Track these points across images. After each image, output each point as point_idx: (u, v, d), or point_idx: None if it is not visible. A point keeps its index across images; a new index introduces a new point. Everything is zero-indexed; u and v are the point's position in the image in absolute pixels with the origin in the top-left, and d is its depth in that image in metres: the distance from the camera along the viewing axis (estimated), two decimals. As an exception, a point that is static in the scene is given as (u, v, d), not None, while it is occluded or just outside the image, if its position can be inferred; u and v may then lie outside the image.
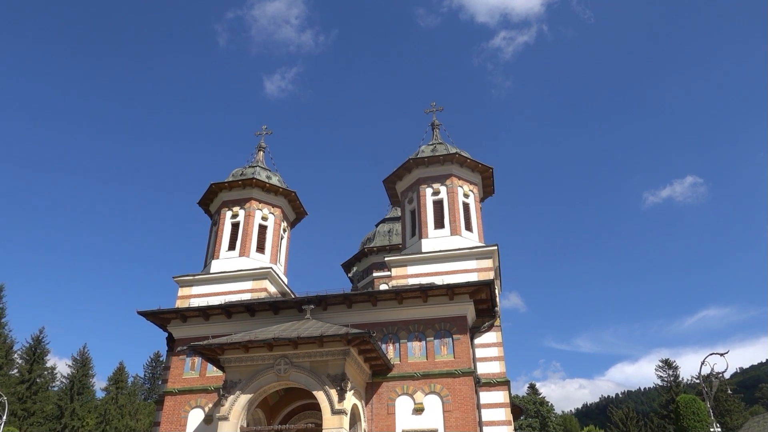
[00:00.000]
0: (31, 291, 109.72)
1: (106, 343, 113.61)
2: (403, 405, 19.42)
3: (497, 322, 21.61)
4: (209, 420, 20.44)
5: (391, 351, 20.41)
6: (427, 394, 19.42)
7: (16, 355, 52.51)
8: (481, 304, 21.05)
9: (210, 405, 20.83)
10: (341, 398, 16.78)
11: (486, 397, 19.98)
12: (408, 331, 20.69)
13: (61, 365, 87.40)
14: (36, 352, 53.76)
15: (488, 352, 20.94)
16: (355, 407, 18.06)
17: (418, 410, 19.20)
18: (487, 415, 19.61)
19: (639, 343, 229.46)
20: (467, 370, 19.56)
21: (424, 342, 20.42)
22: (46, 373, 54.80)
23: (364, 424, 18.86)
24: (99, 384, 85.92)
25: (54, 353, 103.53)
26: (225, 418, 17.24)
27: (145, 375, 77.38)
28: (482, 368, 20.55)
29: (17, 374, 51.00)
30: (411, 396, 19.50)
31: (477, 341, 21.08)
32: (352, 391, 17.56)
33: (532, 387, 66.08)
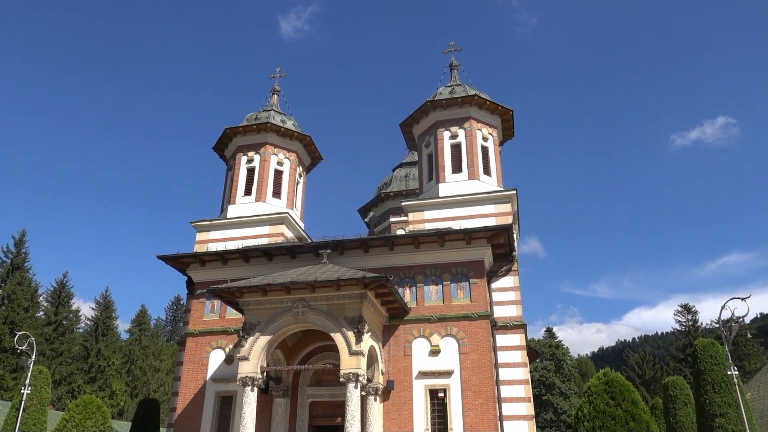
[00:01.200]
0: (54, 236, 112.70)
1: (127, 287, 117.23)
2: (419, 347, 19.95)
3: (515, 267, 21.78)
4: (230, 360, 21.25)
5: (407, 295, 20.78)
6: (443, 337, 19.88)
7: (41, 299, 54.49)
8: (499, 248, 21.17)
9: (230, 346, 21.59)
10: (358, 340, 17.26)
11: (502, 339, 20.40)
12: (425, 276, 20.98)
13: (85, 308, 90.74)
14: (60, 296, 55.74)
15: (505, 296, 21.22)
16: (372, 349, 18.59)
17: (435, 352, 19.71)
18: (503, 357, 20.08)
19: (658, 289, 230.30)
20: (484, 314, 19.91)
21: (440, 286, 20.73)
22: (71, 315, 56.99)
23: (381, 365, 19.46)
24: (122, 326, 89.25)
25: (78, 296, 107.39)
26: (245, 359, 17.90)
27: (166, 317, 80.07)
28: (499, 312, 20.89)
29: (43, 316, 53.08)
30: (427, 338, 19.99)
31: (494, 285, 21.33)
32: (369, 334, 18.03)
33: (548, 331, 67.14)
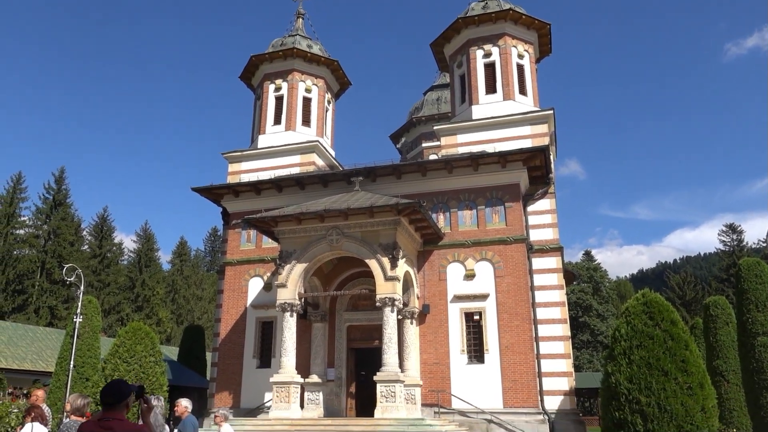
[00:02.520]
0: (91, 172, 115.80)
1: (166, 220, 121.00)
2: (454, 271, 20.25)
3: (551, 190, 21.52)
4: (268, 287, 22.03)
5: (441, 220, 20.87)
6: (478, 261, 20.09)
7: (85, 233, 56.94)
8: (535, 171, 20.86)
9: (268, 274, 22.33)
10: (393, 266, 17.60)
11: (538, 263, 20.50)
12: (458, 201, 20.96)
13: (127, 241, 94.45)
14: (102, 230, 58.07)
15: (541, 219, 21.11)
16: (407, 274, 18.96)
17: (470, 276, 20.00)
18: (539, 280, 20.24)
19: (702, 209, 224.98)
20: (519, 237, 19.93)
21: (475, 211, 20.73)
22: (114, 248, 59.57)
23: (416, 290, 19.90)
24: (164, 257, 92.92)
25: (119, 230, 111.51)
26: (283, 286, 18.53)
27: (205, 248, 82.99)
28: (535, 235, 20.87)
29: (88, 250, 55.61)
30: (462, 263, 20.23)
31: (530, 209, 21.20)
32: (404, 259, 18.34)
33: (587, 254, 66.99)
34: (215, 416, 8.96)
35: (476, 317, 19.57)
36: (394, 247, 17.76)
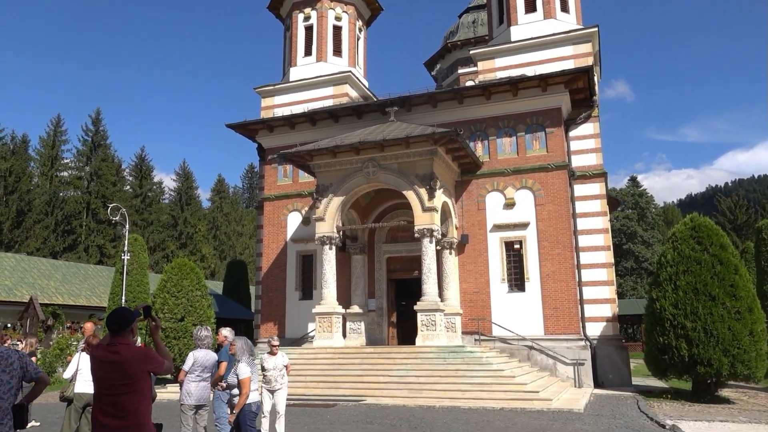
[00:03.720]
0: (127, 112, 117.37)
1: (203, 158, 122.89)
2: (493, 201, 20.14)
3: (595, 113, 20.83)
4: (307, 221, 22.44)
5: (479, 148, 20.59)
6: (518, 189, 19.89)
7: (125, 173, 58.53)
8: (578, 93, 20.15)
9: (306, 208, 22.68)
10: (431, 196, 17.61)
11: (581, 189, 20.17)
12: (497, 128, 20.56)
13: (167, 180, 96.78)
14: (142, 169, 59.53)
15: (584, 144, 20.58)
16: (445, 204, 18.97)
17: (509, 205, 19.88)
18: (581, 207, 19.99)
19: (756, 129, 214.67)
20: (561, 164, 19.55)
21: (514, 137, 20.33)
22: (154, 187, 61.22)
23: (455, 220, 19.95)
24: (203, 195, 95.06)
25: (158, 170, 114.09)
26: (321, 219, 18.84)
27: (243, 185, 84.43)
28: (577, 161, 20.43)
29: (130, 190, 57.33)
30: (501, 192, 20.07)
31: (572, 134, 20.65)
32: (442, 190, 18.30)
33: (632, 179, 65.30)
34: (271, 345, 9.29)
35: (516, 246, 19.60)
36: (431, 177, 17.70)
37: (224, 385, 7.28)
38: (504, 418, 11.62)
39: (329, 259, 18.75)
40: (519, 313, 19.03)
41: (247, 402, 6.65)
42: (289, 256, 22.84)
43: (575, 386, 17.39)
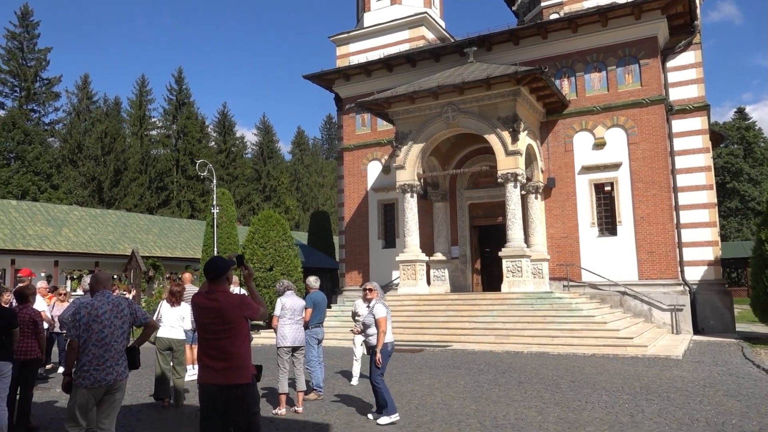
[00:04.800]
0: (207, 69, 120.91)
1: (282, 111, 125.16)
2: (582, 141, 19.32)
3: (696, 40, 19.22)
4: (387, 170, 22.54)
5: (566, 86, 19.67)
6: (608, 128, 18.93)
7: (209, 129, 60.86)
8: (676, 19, 18.63)
9: (386, 157, 22.75)
10: (514, 139, 17.13)
11: (679, 125, 18.90)
12: (585, 63, 19.50)
13: (248, 135, 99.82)
14: (225, 125, 61.66)
15: (683, 75, 19.13)
16: (529, 147, 18.42)
17: (599, 145, 19.00)
18: (679, 144, 18.78)
19: None
20: (657, 98, 18.35)
21: (604, 72, 19.23)
22: (237, 142, 63.39)
23: (540, 163, 19.37)
24: (284, 148, 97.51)
25: (240, 125, 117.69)
26: (401, 167, 18.86)
27: (322, 136, 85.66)
28: (675, 94, 19.07)
29: (215, 145, 59.69)
30: (590, 131, 19.19)
31: (670, 64, 19.22)
32: (525, 132, 17.74)
33: (739, 111, 60.19)
34: (368, 290, 9.53)
35: (607, 188, 18.82)
36: (515, 119, 17.16)
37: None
38: (596, 364, 11.48)
39: (411, 207, 18.84)
40: (610, 257, 18.44)
41: (387, 342, 7.04)
42: (370, 205, 23.17)
43: (672, 333, 16.82)
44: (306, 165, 72.39)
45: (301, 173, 70.45)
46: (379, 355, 6.88)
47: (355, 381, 9.76)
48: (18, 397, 6.74)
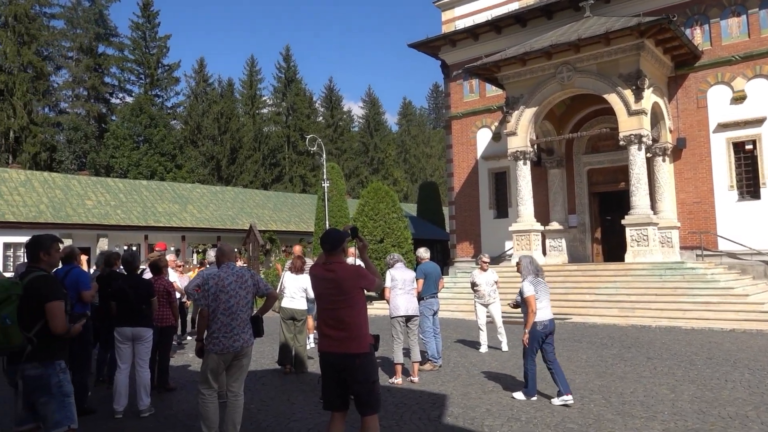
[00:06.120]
0: (313, 44, 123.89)
1: (387, 82, 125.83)
2: (717, 96, 17.69)
3: None
4: (497, 137, 22.01)
5: (698, 35, 18.03)
6: (749, 79, 17.17)
7: (317, 105, 62.60)
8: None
9: (496, 123, 22.20)
10: (638, 98, 16.02)
11: (837, 71, 16.76)
12: (721, 7, 17.73)
13: (354, 108, 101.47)
14: (332, 99, 63.13)
15: (843, 12, 16.87)
16: (655, 105, 17.16)
17: (738, 99, 17.31)
18: (838, 93, 16.67)
19: None
20: (809, 42, 16.34)
21: (744, 17, 17.40)
22: (344, 116, 64.73)
23: (668, 122, 18.01)
24: (391, 120, 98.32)
25: (346, 99, 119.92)
26: (513, 133, 18.31)
27: (429, 106, 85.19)
28: (832, 36, 16.89)
29: (323, 120, 61.36)
30: (728, 84, 17.51)
31: (825, 1, 17.01)
32: (651, 89, 16.52)
33: None
34: (482, 261, 10.09)
35: (748, 147, 17.15)
36: (638, 75, 16.02)
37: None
38: (735, 340, 10.63)
39: (524, 175, 18.30)
40: (752, 224, 16.88)
41: (538, 321, 6.46)
42: (480, 175, 22.80)
43: (828, 307, 15.17)
44: (413, 136, 72.52)
45: (408, 144, 70.71)
46: (526, 336, 6.49)
47: (483, 348, 10.02)
48: (157, 360, 7.42)
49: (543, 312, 6.55)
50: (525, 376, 6.70)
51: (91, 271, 10.08)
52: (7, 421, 5.84)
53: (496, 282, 10.22)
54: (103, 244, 23.74)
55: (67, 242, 20.60)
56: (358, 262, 4.75)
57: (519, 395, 6.62)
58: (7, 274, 14.95)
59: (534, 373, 6.60)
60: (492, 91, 21.98)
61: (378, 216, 20.59)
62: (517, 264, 7.02)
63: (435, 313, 8.81)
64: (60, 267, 6.49)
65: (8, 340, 3.70)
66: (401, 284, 7.79)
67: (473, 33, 22.41)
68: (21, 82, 41.34)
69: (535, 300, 6.50)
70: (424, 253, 8.95)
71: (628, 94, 16.13)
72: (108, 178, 30.66)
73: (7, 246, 22.08)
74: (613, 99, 16.50)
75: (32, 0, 44.32)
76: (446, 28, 24.31)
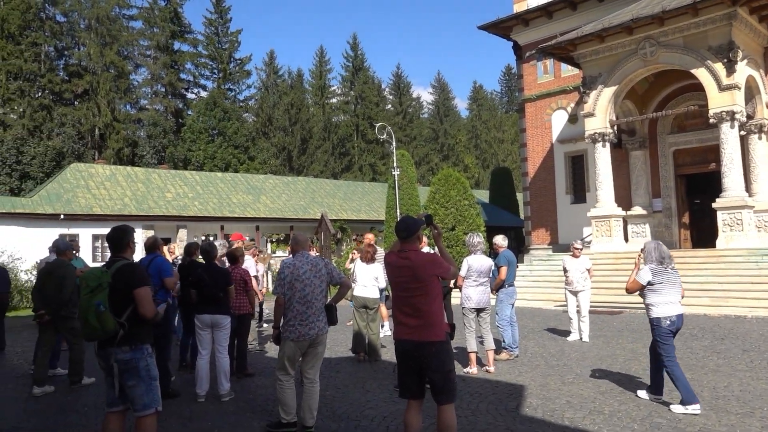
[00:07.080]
0: (380, 31, 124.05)
1: (457, 67, 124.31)
2: (821, 66, 16.38)
3: None
4: (574, 119, 21.30)
5: (798, 0, 16.70)
6: None
7: (385, 92, 62.77)
8: None
9: (572, 105, 21.49)
10: (730, 71, 15.06)
11: None
12: (825, -32, 16.32)
13: (424, 94, 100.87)
14: (400, 86, 63.13)
15: None
16: (750, 79, 16.08)
17: None
18: None
19: None
20: None
21: None
22: (413, 103, 64.60)
23: (765, 97, 16.84)
24: (461, 104, 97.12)
25: (415, 85, 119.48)
26: (591, 115, 17.66)
27: (501, 89, 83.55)
28: None
29: (391, 108, 61.49)
30: (833, 52, 16.16)
31: None
32: (744, 61, 15.49)
33: None
34: (573, 247, 9.88)
35: None
36: (730, 47, 15.04)
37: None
38: None
39: (603, 158, 17.63)
40: None
41: (662, 317, 5.88)
42: (556, 159, 22.18)
43: None
44: (484, 120, 71.43)
45: (479, 129, 69.72)
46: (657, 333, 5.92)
47: (571, 337, 9.96)
48: (236, 347, 7.70)
49: (669, 307, 5.89)
50: (673, 383, 5.81)
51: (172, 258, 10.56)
52: (16, 411, 6.21)
53: (588, 270, 10.00)
54: (183, 235, 24.84)
55: (149, 233, 21.69)
56: (433, 250, 4.72)
57: (677, 408, 5.63)
58: (97, 264, 15.90)
59: (682, 374, 5.79)
60: (567, 71, 21.27)
61: (449, 203, 20.42)
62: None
63: (512, 303, 8.67)
64: (144, 256, 6.81)
65: (103, 326, 3.94)
66: (476, 275, 7.65)
67: (547, 11, 21.75)
68: (104, 81, 43.76)
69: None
70: (501, 241, 8.77)
71: (719, 67, 15.19)
72: (186, 171, 31.99)
73: (95, 237, 23.47)
74: (701, 74, 15.58)
75: (113, 2, 46.67)
76: (518, 8, 23.68)
